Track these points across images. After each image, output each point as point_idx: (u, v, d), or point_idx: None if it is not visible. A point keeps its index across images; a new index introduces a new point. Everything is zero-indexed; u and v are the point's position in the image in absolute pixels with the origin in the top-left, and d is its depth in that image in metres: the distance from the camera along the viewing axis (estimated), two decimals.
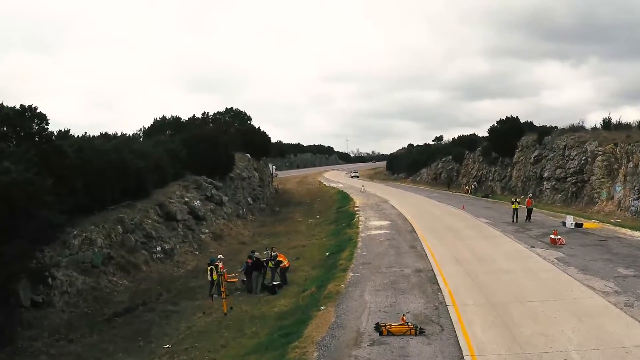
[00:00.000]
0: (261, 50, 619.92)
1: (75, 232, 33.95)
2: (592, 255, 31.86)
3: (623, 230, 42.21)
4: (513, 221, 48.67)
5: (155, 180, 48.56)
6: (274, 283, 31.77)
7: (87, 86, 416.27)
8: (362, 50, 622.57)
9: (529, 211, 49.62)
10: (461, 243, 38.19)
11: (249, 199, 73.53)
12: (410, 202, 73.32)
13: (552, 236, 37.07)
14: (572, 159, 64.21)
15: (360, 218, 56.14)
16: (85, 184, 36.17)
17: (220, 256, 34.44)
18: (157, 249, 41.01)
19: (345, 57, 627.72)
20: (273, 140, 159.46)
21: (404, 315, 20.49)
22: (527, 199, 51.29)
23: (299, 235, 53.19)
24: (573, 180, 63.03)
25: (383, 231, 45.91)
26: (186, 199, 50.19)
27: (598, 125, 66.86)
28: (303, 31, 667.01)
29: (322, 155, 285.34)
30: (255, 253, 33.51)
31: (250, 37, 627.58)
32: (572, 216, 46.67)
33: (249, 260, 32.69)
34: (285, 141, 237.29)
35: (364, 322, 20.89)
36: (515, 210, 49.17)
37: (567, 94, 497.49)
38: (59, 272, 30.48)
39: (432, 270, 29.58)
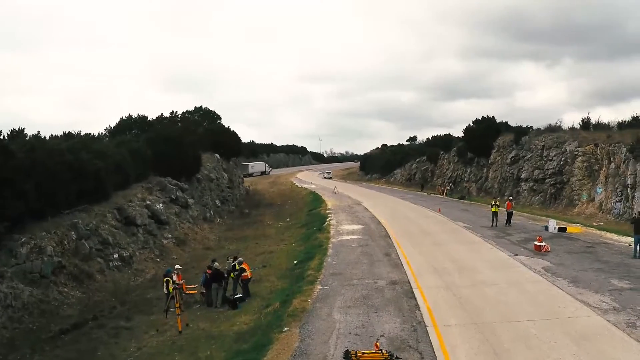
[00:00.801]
0: (239, 49, 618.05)
1: (23, 240, 31.19)
2: (581, 265, 29.56)
3: (608, 234, 40.33)
4: (492, 225, 46.53)
5: (116, 182, 45.73)
6: (236, 296, 29.10)
7: (64, 86, 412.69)
8: (340, 51, 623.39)
9: (509, 215, 47.52)
10: (439, 250, 35.73)
11: (217, 201, 70.69)
12: (384, 204, 70.93)
13: (536, 242, 34.82)
14: (550, 160, 62.56)
15: (331, 222, 53.68)
16: (36, 187, 33.34)
17: (177, 266, 31.50)
18: (114, 256, 38.24)
19: (323, 57, 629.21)
20: (245, 140, 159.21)
21: (377, 341, 17.83)
22: (507, 202, 48.98)
23: (267, 240, 50.56)
24: (552, 182, 61.32)
25: (355, 236, 43.41)
26: (148, 202, 47.42)
27: (576, 126, 65.41)
28: (280, 31, 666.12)
29: (296, 155, 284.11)
30: (215, 263, 30.66)
31: (228, 36, 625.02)
32: (554, 220, 44.49)
33: (208, 271, 30.00)
34: (258, 141, 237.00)
35: (332, 348, 18.16)
36: (495, 213, 46.97)
37: (541, 95, 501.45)
38: (3, 284, 27.78)
39: (409, 282, 27.01)
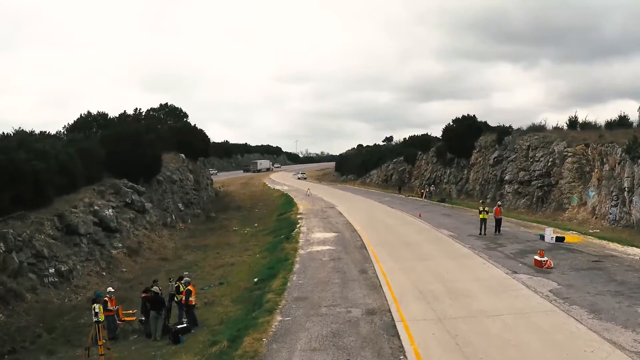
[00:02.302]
0: (215, 49, 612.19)
1: None
2: (594, 286, 24.82)
3: (612, 245, 35.90)
4: (480, 233, 42.10)
5: (61, 185, 40.65)
6: (179, 326, 24.13)
7: (40, 86, 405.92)
8: (317, 51, 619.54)
9: (498, 222, 42.83)
10: (424, 265, 30.90)
11: (180, 205, 65.53)
12: (360, 208, 66.30)
13: (536, 257, 30.08)
14: (537, 161, 58.79)
15: (301, 228, 48.96)
16: None
17: (109, 289, 26.43)
18: (50, 271, 33.08)
19: (299, 58, 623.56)
20: (219, 140, 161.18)
21: None
22: (495, 207, 44.23)
23: (230, 250, 45.69)
24: (539, 184, 57.56)
25: (327, 247, 38.61)
26: (95, 208, 42.26)
27: (560, 125, 62.61)
28: (257, 31, 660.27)
29: (271, 155, 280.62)
30: (155, 286, 25.70)
31: (205, 36, 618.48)
32: (551, 228, 39.90)
33: (145, 295, 25.14)
34: (232, 141, 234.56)
35: None
36: (483, 220, 42.46)
37: (518, 96, 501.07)
38: None
39: (390, 311, 22.04)
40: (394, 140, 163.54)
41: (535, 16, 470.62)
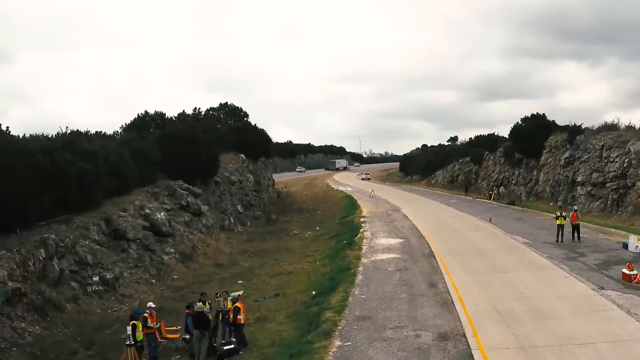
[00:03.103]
0: (275, 50, 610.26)
1: None
2: None
3: None
4: (557, 241, 38.60)
5: (111, 187, 38.74)
6: (226, 347, 21.47)
7: (102, 87, 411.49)
8: (378, 51, 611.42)
9: (575, 227, 39.27)
10: (499, 279, 27.83)
11: (239, 207, 63.29)
12: (426, 211, 63.15)
13: (624, 270, 26.63)
14: (612, 162, 54.59)
15: (365, 233, 46.09)
16: None
17: (150, 304, 23.74)
18: (94, 279, 31.02)
19: (361, 57, 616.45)
20: (282, 140, 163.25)
21: None
22: (571, 213, 40.52)
23: (289, 256, 43.08)
24: (614, 186, 53.41)
25: (392, 255, 35.69)
26: (147, 211, 40.11)
27: (633, 124, 58.62)
28: (318, 31, 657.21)
29: (334, 155, 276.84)
30: (199, 302, 22.99)
31: (264, 37, 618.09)
32: (635, 236, 35.97)
33: (189, 311, 22.58)
34: (295, 141, 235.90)
35: None
36: (561, 226, 38.92)
37: (583, 95, 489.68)
38: None
39: (464, 335, 19.09)
40: (459, 140, 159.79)
41: (601, 13, 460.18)
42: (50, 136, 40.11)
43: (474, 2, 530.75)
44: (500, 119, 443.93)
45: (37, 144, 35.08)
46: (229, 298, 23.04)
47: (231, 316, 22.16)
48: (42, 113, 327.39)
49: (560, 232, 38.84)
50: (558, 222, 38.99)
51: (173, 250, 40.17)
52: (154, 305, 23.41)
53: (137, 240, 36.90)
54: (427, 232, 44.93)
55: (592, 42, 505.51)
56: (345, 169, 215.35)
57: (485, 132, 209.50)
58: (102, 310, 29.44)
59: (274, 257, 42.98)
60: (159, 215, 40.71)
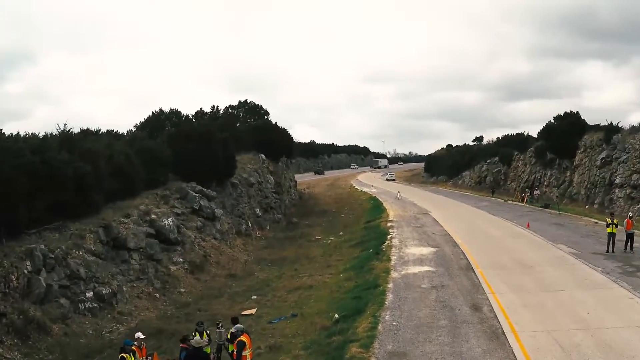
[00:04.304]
0: (299, 50, 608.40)
1: None
2: None
3: None
4: (608, 251, 34.62)
5: (115, 190, 35.09)
6: None
7: (128, 87, 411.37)
8: (402, 51, 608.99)
9: (630, 237, 35.13)
10: (554, 300, 23.71)
11: (257, 210, 59.44)
12: (457, 215, 59.17)
13: None
14: None
15: (393, 240, 42.21)
16: None
17: (138, 335, 19.83)
18: (87, 295, 27.37)
19: (385, 58, 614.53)
20: (305, 140, 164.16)
21: None
22: (626, 220, 36.33)
23: (309, 265, 39.29)
24: None
25: (425, 268, 31.70)
26: (152, 216, 36.37)
27: None
28: (342, 31, 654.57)
29: (358, 155, 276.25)
30: (196, 336, 19.09)
31: (288, 37, 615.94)
32: None
33: (184, 345, 18.80)
34: (319, 141, 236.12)
35: None
36: (612, 235, 34.79)
37: (608, 95, 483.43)
38: None
39: None
40: (484, 140, 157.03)
41: (626, 12, 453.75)
42: (45, 135, 36.53)
43: (499, 1, 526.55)
44: (525, 119, 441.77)
45: (28, 143, 31.56)
46: (232, 330, 19.02)
47: (235, 352, 18.17)
48: (66, 114, 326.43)
49: (611, 242, 34.84)
50: (609, 230, 34.90)
51: (182, 259, 36.47)
52: (142, 336, 19.44)
53: (140, 250, 33.18)
54: (460, 239, 41.00)
55: (617, 42, 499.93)
56: (386, 167, 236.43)
57: (509, 132, 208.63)
58: (94, 331, 25.91)
59: (293, 266, 39.24)
60: (166, 221, 36.97)
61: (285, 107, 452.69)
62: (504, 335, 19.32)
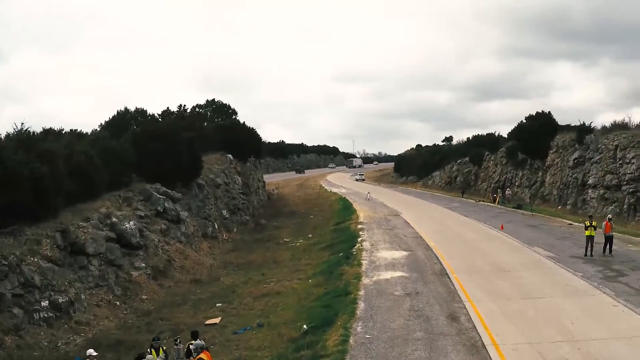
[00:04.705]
0: (274, 49, 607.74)
1: None
2: None
3: None
4: (586, 255, 33.76)
5: (74, 192, 33.33)
6: None
7: (100, 86, 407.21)
8: (375, 50, 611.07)
9: (609, 240, 34.37)
10: (535, 308, 22.55)
11: (224, 212, 57.90)
12: (429, 216, 58.15)
13: None
14: (628, 163, 50.73)
15: (364, 244, 40.91)
16: None
17: (90, 352, 18.36)
18: (43, 304, 25.71)
19: (358, 57, 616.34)
20: (275, 140, 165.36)
21: None
22: (604, 222, 35.27)
23: (278, 270, 37.90)
24: (631, 189, 49.60)
25: (398, 273, 30.39)
26: (113, 220, 34.76)
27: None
28: (318, 31, 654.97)
29: (327, 155, 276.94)
30: (149, 356, 17.74)
31: (263, 36, 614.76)
32: None
33: None
34: (289, 141, 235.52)
35: None
36: (590, 238, 33.92)
37: (578, 95, 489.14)
38: None
39: None
40: (455, 140, 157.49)
41: (597, 13, 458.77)
42: (7, 135, 34.80)
43: (472, 2, 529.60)
44: (494, 119, 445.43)
45: None
46: (191, 347, 17.63)
47: None
48: (36, 113, 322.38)
49: (589, 245, 34.02)
50: (587, 232, 34.13)
51: (144, 264, 34.86)
52: (95, 354, 18.07)
53: (100, 255, 31.50)
54: (433, 242, 39.87)
55: (587, 43, 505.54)
56: (360, 166, 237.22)
57: (478, 132, 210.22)
58: (49, 342, 24.28)
59: (261, 271, 37.83)
60: (128, 225, 35.37)
61: (258, 107, 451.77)
62: (485, 348, 18.07)
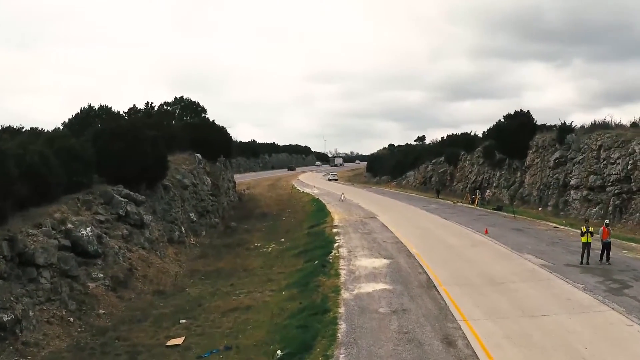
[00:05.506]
0: (246, 49, 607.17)
1: None
2: None
3: None
4: (582, 262, 31.61)
5: (26, 196, 30.21)
6: None
7: (69, 86, 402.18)
8: (347, 50, 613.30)
9: (606, 246, 32.15)
10: (541, 329, 19.89)
11: (192, 215, 54.86)
12: (407, 219, 55.64)
13: None
14: (612, 163, 49.56)
15: (341, 250, 38.17)
16: None
17: None
18: None
19: (331, 57, 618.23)
20: (247, 139, 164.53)
21: None
22: (601, 228, 32.88)
23: (248, 279, 34.98)
24: (616, 190, 48.33)
25: (381, 285, 27.60)
26: (69, 226, 31.67)
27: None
28: (289, 30, 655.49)
29: (299, 155, 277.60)
30: None
31: (235, 36, 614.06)
32: None
33: None
34: (260, 141, 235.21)
35: None
36: (587, 244, 31.75)
37: (549, 96, 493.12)
38: None
39: None
40: (428, 139, 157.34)
41: (569, 14, 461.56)
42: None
43: (444, 2, 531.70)
44: (466, 118, 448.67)
45: None
46: None
47: None
48: (5, 112, 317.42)
49: (586, 252, 31.85)
50: (584, 239, 31.97)
51: (102, 274, 31.74)
52: None
53: (52, 266, 28.43)
54: (415, 248, 37.28)
55: (559, 44, 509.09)
56: (341, 165, 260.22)
57: (450, 132, 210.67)
58: None
59: (229, 281, 34.91)
60: (84, 231, 32.29)
61: (229, 106, 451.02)
62: None
